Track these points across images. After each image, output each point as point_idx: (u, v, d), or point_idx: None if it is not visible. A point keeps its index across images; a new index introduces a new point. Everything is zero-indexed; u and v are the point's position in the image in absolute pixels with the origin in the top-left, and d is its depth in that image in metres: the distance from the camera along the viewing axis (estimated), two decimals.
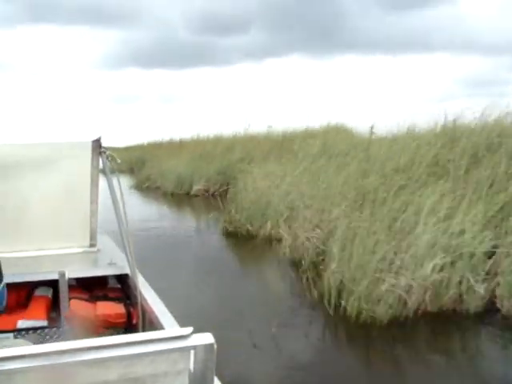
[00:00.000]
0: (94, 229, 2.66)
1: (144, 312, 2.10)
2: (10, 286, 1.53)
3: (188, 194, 14.39)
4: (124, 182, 12.39)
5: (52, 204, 2.43)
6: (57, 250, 2.62)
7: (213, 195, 13.45)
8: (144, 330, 2.11)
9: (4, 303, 1.20)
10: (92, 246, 2.72)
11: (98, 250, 2.73)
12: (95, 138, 2.24)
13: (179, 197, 14.34)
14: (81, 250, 2.69)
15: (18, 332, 2.27)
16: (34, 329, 2.32)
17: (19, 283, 2.14)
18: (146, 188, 16.52)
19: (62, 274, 2.33)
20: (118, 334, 2.34)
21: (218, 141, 17.18)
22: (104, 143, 2.29)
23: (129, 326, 2.32)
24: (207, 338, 1.01)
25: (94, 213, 2.56)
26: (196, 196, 14.01)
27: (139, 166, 21.53)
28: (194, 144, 18.57)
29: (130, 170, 21.89)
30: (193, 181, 14.47)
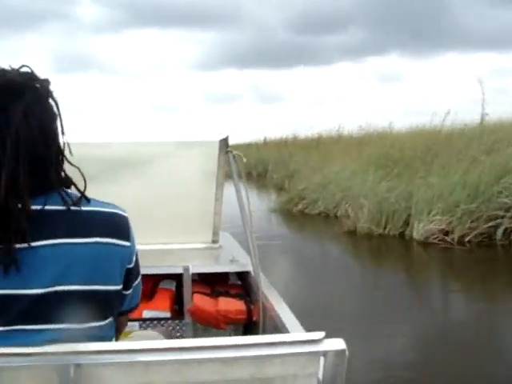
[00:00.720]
0: (217, 226, 2.70)
1: (265, 310, 2.11)
2: None
3: (403, 236, 8.03)
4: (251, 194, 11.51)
5: (178, 200, 2.49)
6: (181, 244, 2.69)
7: (463, 243, 7.26)
8: (264, 328, 2.13)
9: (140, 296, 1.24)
10: (214, 242, 2.78)
11: (220, 247, 2.79)
12: (223, 137, 2.26)
13: (387, 243, 7.99)
14: (203, 245, 2.76)
15: (143, 321, 2.37)
16: (159, 319, 2.41)
17: (146, 275, 2.21)
18: (298, 213, 10.89)
19: (186, 269, 2.40)
20: (238, 330, 2.47)
21: (388, 137, 12.30)
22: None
23: (248, 323, 2.34)
24: (339, 344, 0.97)
25: (217, 211, 2.59)
26: (425, 244, 7.55)
27: (261, 170, 19.93)
28: (345, 142, 14.51)
29: (248, 175, 19.98)
30: (411, 211, 8.05)
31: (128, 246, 1.03)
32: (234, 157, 2.24)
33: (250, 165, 19.46)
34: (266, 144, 26.04)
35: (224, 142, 2.27)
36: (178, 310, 2.54)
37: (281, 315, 1.90)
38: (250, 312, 2.33)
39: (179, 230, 2.60)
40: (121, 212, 1.03)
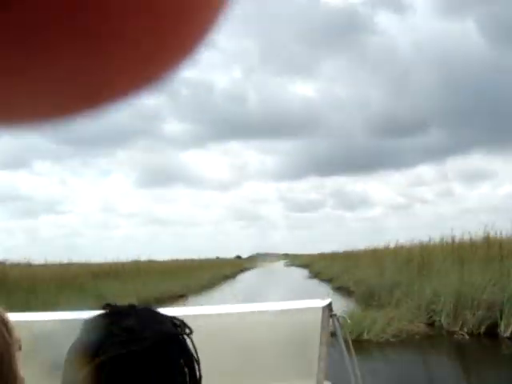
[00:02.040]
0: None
1: None
2: None
3: None
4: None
5: (279, 358, 2.41)
6: None
7: None
8: None
9: None
10: None
11: None
12: (326, 304, 2.24)
13: None
14: None
15: None
16: None
17: None
18: None
19: None
20: None
21: None
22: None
23: None
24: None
25: (321, 370, 2.45)
26: None
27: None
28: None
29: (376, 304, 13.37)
30: None
31: None
32: (338, 320, 2.22)
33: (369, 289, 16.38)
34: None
35: (328, 307, 2.25)
36: None
37: None
38: None
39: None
40: None
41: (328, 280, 27.45)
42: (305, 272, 44.54)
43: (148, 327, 0.83)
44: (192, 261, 48.61)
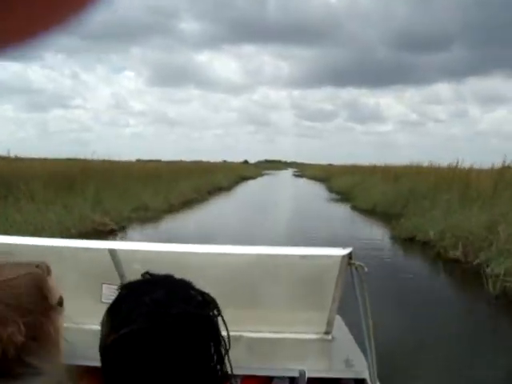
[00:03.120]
0: (331, 318, 2.65)
1: None
2: (248, 377, 2.09)
3: None
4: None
5: (295, 295, 2.59)
6: (292, 334, 2.68)
7: None
8: None
9: None
10: (327, 333, 2.72)
11: (333, 339, 2.70)
12: (346, 253, 2.25)
13: None
14: (316, 336, 2.70)
15: None
16: None
17: (256, 376, 2.29)
18: None
19: (302, 374, 2.28)
20: None
21: None
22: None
23: None
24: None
25: (332, 309, 2.59)
26: None
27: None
28: None
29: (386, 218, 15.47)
30: None
31: None
32: (356, 268, 2.27)
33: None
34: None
35: (347, 256, 2.30)
36: None
37: None
38: None
39: (292, 318, 2.66)
40: None
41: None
42: (323, 191, 34.13)
43: (176, 304, 0.84)
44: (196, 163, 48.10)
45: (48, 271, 1.02)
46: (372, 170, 30.45)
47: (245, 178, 49.39)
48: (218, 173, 38.83)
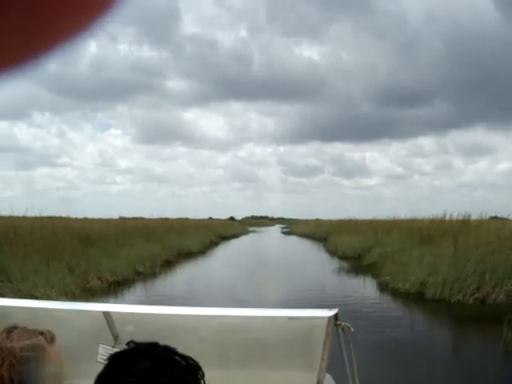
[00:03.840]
0: (321, 378, 2.53)
1: None
2: None
3: None
4: None
5: (284, 355, 2.56)
6: None
7: None
8: None
9: None
10: None
11: None
12: (333, 314, 2.27)
13: None
14: None
15: None
16: None
17: None
18: None
19: None
20: None
21: None
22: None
23: None
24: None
25: (322, 368, 2.49)
26: None
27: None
28: None
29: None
30: None
31: None
32: (342, 329, 2.28)
33: None
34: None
35: (334, 317, 2.31)
36: None
37: None
38: None
39: (282, 379, 2.56)
40: None
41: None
42: (325, 255, 26.53)
43: (162, 371, 0.88)
44: (182, 220, 46.69)
45: (52, 339, 1.18)
46: (374, 226, 24.95)
47: (225, 238, 42.02)
48: (190, 232, 31.60)
